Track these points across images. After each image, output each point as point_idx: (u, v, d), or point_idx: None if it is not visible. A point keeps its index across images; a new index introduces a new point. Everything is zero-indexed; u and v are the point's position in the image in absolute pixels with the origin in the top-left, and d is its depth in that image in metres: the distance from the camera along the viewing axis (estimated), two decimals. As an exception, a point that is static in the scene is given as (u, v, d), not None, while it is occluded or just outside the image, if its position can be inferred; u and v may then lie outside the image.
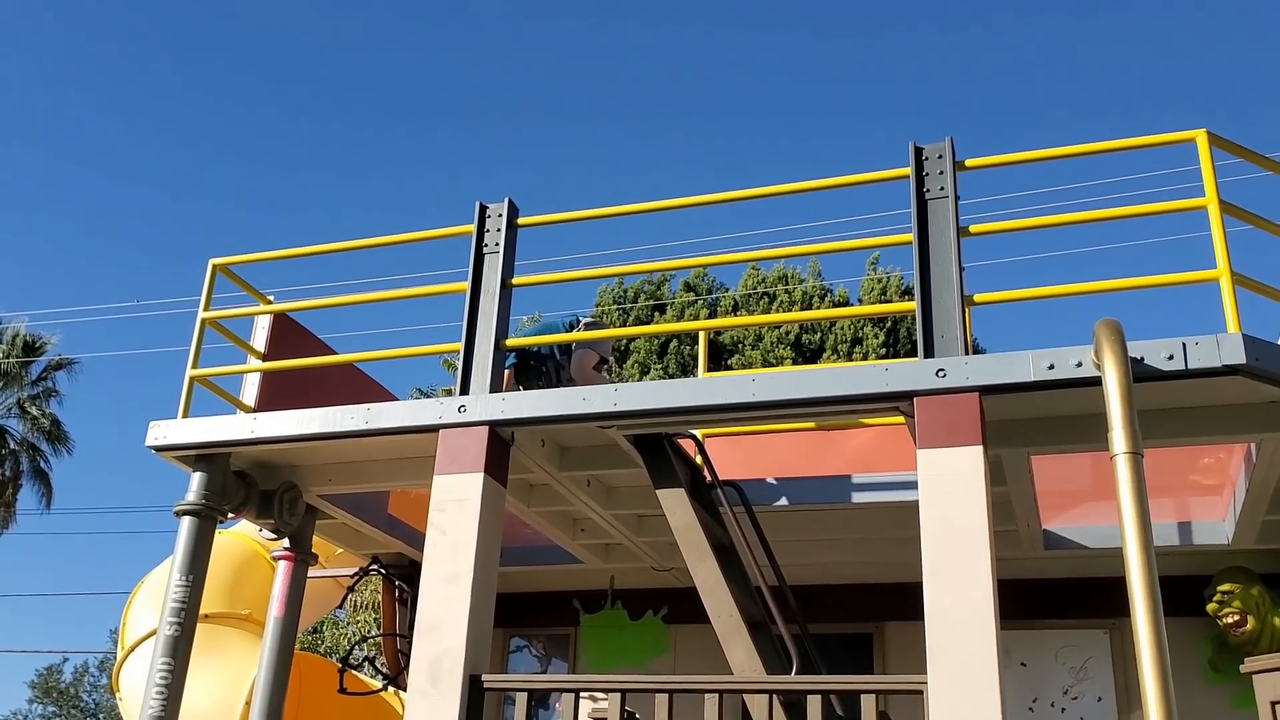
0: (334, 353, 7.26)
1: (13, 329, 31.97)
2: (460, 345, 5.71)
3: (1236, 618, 6.22)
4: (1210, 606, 6.32)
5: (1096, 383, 4.44)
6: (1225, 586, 6.27)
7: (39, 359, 32.16)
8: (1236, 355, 4.37)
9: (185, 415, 6.16)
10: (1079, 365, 4.56)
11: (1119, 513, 4.07)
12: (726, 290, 25.81)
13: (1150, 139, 4.97)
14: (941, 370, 4.73)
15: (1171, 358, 4.45)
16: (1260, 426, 4.79)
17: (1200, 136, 4.84)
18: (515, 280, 5.88)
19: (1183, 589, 6.38)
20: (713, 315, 24.59)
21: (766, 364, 22.29)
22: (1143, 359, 4.47)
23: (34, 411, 31.69)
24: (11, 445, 31.43)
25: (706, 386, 5.21)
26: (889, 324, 23.83)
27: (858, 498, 6.27)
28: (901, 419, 5.12)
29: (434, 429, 5.48)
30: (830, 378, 5.01)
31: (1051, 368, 4.61)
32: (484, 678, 4.98)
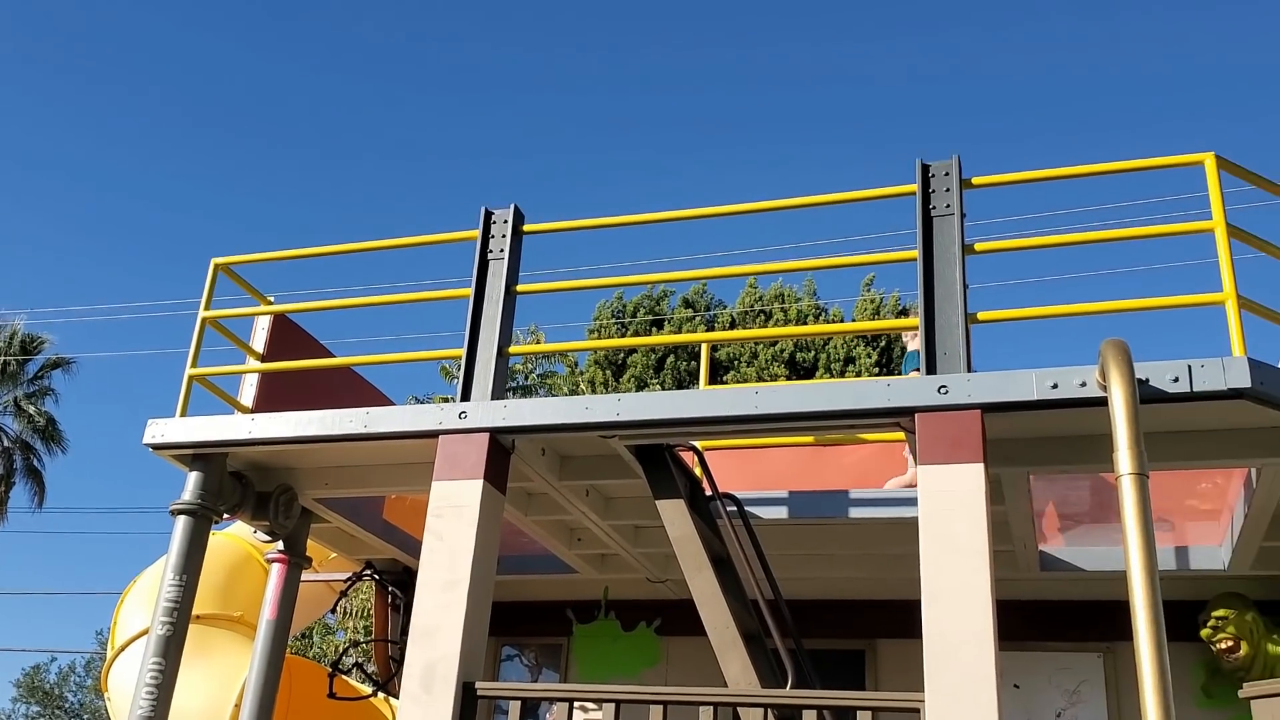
0: (334, 356, 7.24)
1: (11, 327, 31.94)
2: (463, 351, 5.69)
3: (1230, 644, 6.21)
4: (1204, 632, 6.29)
5: (1100, 403, 4.43)
6: (1219, 612, 6.25)
7: (36, 357, 32.10)
8: (1242, 379, 4.36)
9: (184, 415, 6.14)
10: (1083, 385, 4.56)
11: (1124, 535, 4.05)
12: (724, 307, 25.89)
13: (1158, 160, 4.99)
14: (944, 387, 4.73)
15: (1176, 379, 4.45)
16: (1263, 451, 4.78)
17: (1208, 160, 4.85)
18: (520, 287, 5.88)
19: (1177, 614, 6.28)
20: (711, 331, 24.61)
21: (761, 380, 22.31)
22: (1148, 380, 4.46)
23: (30, 410, 31.61)
24: (5, 443, 31.36)
25: (711, 398, 5.20)
26: (883, 343, 23.90)
27: (855, 513, 6.25)
28: (899, 435, 5.11)
29: (434, 434, 5.45)
30: (834, 392, 5.00)
31: (1055, 387, 4.61)
32: (477, 685, 4.94)
